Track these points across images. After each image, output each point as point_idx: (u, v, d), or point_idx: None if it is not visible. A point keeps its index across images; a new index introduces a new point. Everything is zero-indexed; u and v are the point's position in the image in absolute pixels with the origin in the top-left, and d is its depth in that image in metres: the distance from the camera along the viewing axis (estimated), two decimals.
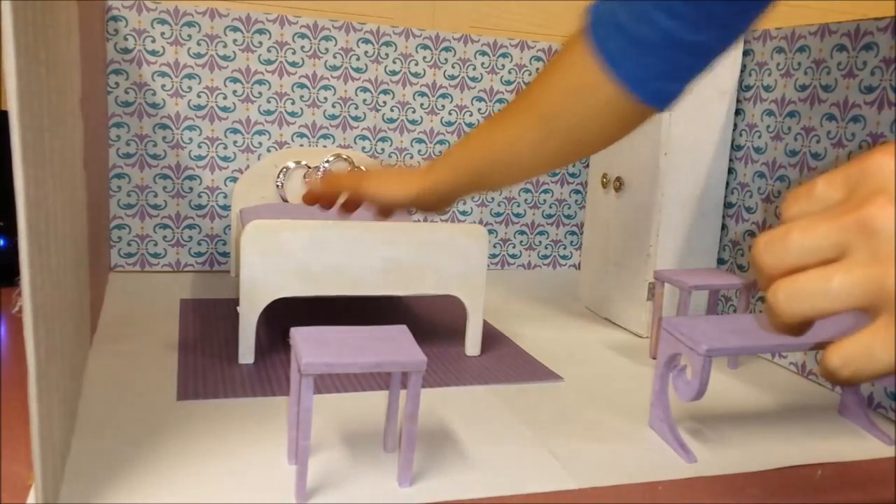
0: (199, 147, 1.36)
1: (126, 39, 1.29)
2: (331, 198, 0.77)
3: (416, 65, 1.45)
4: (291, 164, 1.33)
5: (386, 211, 0.79)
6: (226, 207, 1.39)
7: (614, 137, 0.72)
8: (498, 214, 1.56)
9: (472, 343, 1.03)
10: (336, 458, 0.71)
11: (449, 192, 0.76)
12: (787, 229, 0.27)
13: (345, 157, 1.33)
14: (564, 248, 1.62)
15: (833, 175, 0.28)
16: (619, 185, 1.22)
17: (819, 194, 0.28)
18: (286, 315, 1.13)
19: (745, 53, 1.16)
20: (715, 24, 0.61)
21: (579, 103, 0.68)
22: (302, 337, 0.66)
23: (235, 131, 1.37)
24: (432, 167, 0.76)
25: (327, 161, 1.32)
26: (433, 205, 0.77)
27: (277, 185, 1.30)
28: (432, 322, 1.17)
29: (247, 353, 0.94)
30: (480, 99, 1.49)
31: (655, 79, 0.65)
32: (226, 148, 1.37)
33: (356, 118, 1.43)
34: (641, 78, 0.65)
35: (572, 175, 1.59)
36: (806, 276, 0.26)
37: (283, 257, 0.92)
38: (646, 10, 0.62)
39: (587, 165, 1.58)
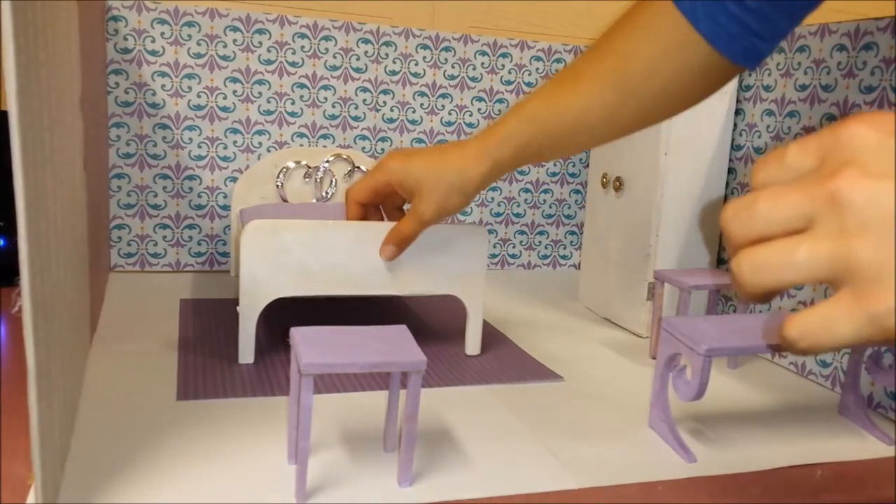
0: (199, 147, 1.36)
1: (126, 39, 1.29)
2: (364, 208, 0.74)
3: (416, 65, 1.45)
4: (291, 164, 1.33)
5: (424, 207, 0.74)
6: (226, 207, 1.39)
7: (698, 98, 0.68)
8: (498, 214, 1.56)
9: (472, 343, 1.03)
10: (336, 458, 0.71)
11: (506, 169, 0.70)
12: (755, 198, 0.27)
13: (345, 156, 1.33)
14: (564, 248, 1.62)
15: (806, 141, 0.28)
16: (619, 184, 1.22)
17: (790, 161, 0.27)
18: (286, 315, 1.13)
19: None
20: None
21: (666, 63, 0.64)
22: (302, 337, 0.66)
23: (235, 131, 1.37)
24: (483, 146, 0.68)
25: (327, 161, 1.32)
26: (489, 183, 0.70)
27: (277, 186, 1.30)
28: (432, 322, 1.17)
29: (247, 352, 0.94)
30: (480, 99, 1.49)
31: (745, 37, 0.62)
32: (226, 148, 1.37)
33: (356, 118, 1.43)
34: (731, 34, 0.62)
35: (572, 175, 1.59)
36: (771, 247, 0.26)
37: (283, 257, 0.92)
38: None
39: (587, 165, 1.58)
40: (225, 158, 1.38)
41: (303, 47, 1.38)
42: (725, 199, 1.20)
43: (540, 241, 1.60)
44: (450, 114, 1.48)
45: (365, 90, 1.43)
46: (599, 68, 0.68)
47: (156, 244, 1.37)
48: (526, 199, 1.57)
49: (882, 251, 0.24)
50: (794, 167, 0.27)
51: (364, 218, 0.80)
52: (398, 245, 0.79)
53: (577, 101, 0.67)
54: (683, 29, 0.63)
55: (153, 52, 1.31)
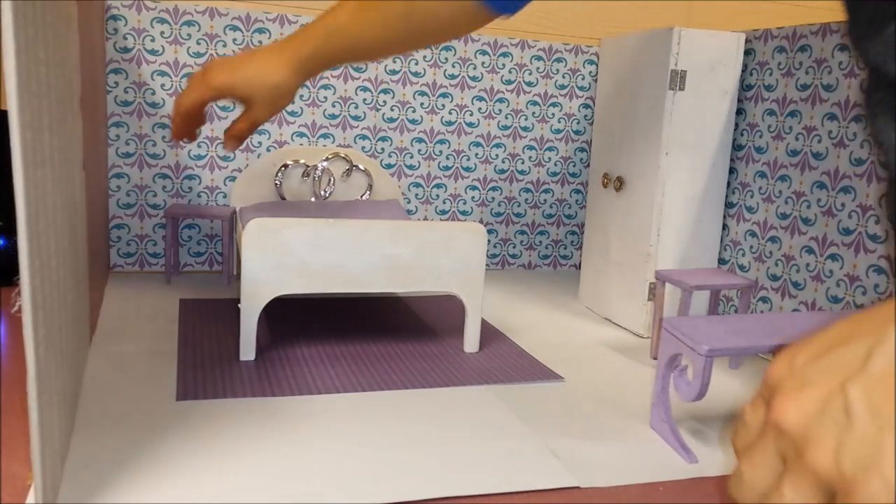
0: (199, 146, 1.36)
1: (125, 38, 1.28)
2: (190, 118, 0.78)
3: (416, 64, 1.44)
4: (290, 163, 1.32)
5: (259, 113, 0.79)
6: (225, 207, 1.39)
7: (459, 34, 0.78)
8: (498, 214, 1.55)
9: (471, 340, 1.03)
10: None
11: (318, 67, 0.76)
12: (739, 469, 0.30)
13: (343, 155, 1.33)
14: (565, 248, 1.62)
15: (753, 399, 0.31)
16: (619, 184, 1.22)
17: (749, 421, 0.30)
18: (286, 313, 1.13)
19: (747, 53, 1.16)
20: None
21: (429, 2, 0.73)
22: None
23: None
24: (296, 46, 0.73)
25: (325, 160, 1.32)
26: (303, 81, 0.78)
27: (276, 184, 1.29)
28: (431, 320, 1.17)
29: (248, 350, 0.94)
30: (481, 98, 1.49)
31: None
32: (225, 147, 1.37)
33: (356, 117, 1.43)
34: None
35: (573, 175, 1.58)
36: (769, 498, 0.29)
37: (283, 255, 0.92)
38: None
39: (588, 165, 1.58)
40: (225, 158, 1.38)
41: None
42: (726, 198, 1.20)
43: (540, 241, 1.60)
44: (450, 113, 1.48)
45: (365, 89, 1.43)
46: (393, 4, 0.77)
47: (155, 244, 1.37)
48: (526, 199, 1.57)
49: (836, 451, 0.26)
50: (754, 424, 0.30)
51: (190, 126, 0.85)
52: (239, 140, 0.85)
53: (371, 27, 0.73)
54: None
55: (153, 52, 1.30)
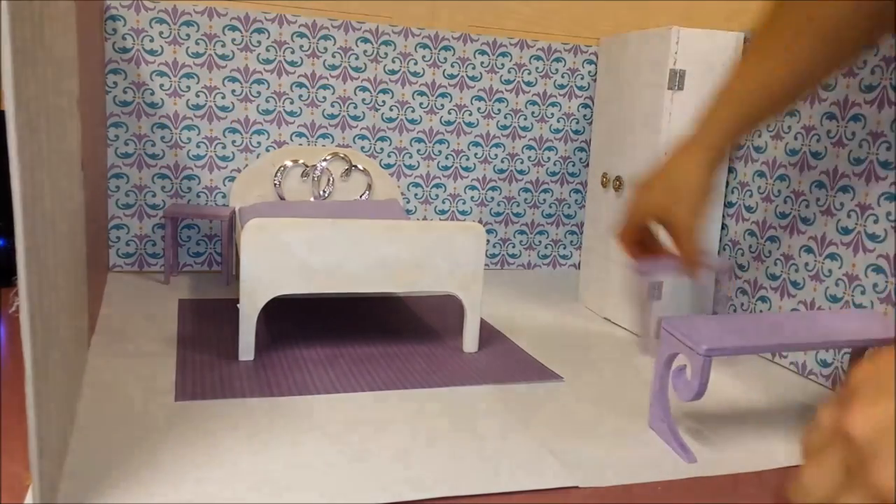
0: (198, 147, 1.36)
1: (124, 39, 1.28)
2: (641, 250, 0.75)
3: (416, 64, 1.44)
4: (289, 163, 1.32)
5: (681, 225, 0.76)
6: (225, 207, 1.39)
7: (876, 37, 0.72)
8: (498, 214, 1.55)
9: (470, 340, 1.03)
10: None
11: (729, 147, 0.72)
12: (802, 472, 0.29)
13: (342, 155, 1.33)
14: (564, 248, 1.62)
15: (830, 399, 0.30)
16: (618, 184, 1.22)
17: (822, 422, 0.30)
18: (285, 313, 1.13)
19: None
20: None
21: (853, 10, 0.67)
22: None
23: (234, 131, 1.37)
24: (702, 140, 0.68)
25: (325, 160, 1.32)
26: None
27: (275, 185, 1.29)
28: (430, 320, 1.17)
29: (247, 350, 0.94)
30: (480, 98, 1.49)
31: None
32: (224, 147, 1.37)
33: (355, 117, 1.43)
34: None
35: (572, 174, 1.58)
36: None
37: (282, 255, 0.92)
38: None
39: (587, 165, 1.57)
40: (224, 158, 1.38)
41: (302, 46, 1.37)
42: (725, 198, 1.20)
43: (540, 241, 1.60)
44: (449, 113, 1.48)
45: (364, 89, 1.43)
46: (791, 24, 0.70)
47: (154, 244, 1.37)
48: (526, 199, 1.57)
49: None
50: (826, 427, 0.30)
51: (643, 250, 0.81)
52: (698, 268, 0.80)
53: (784, 64, 0.68)
54: None
55: (152, 52, 1.30)
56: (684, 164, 0.69)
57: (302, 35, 1.37)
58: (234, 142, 1.37)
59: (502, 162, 1.53)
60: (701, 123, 0.69)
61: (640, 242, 0.76)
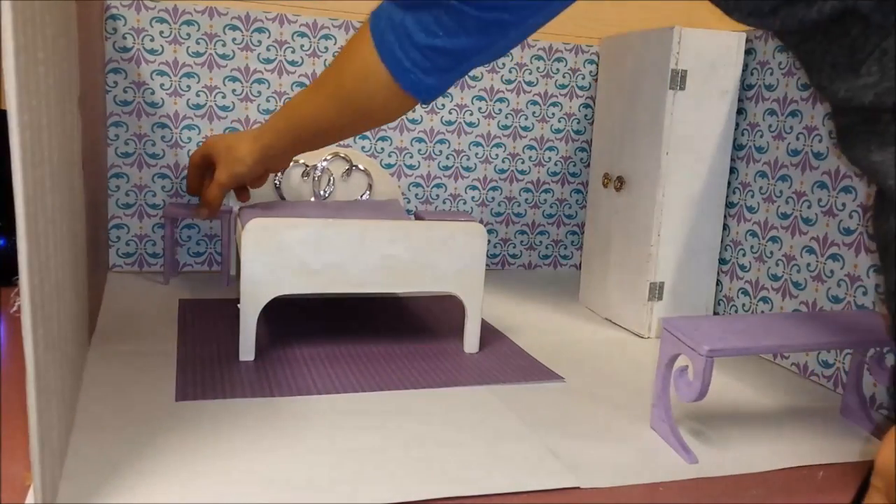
0: (197, 146, 1.36)
1: (125, 38, 1.28)
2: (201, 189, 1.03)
3: None
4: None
5: (242, 188, 1.03)
6: (224, 207, 1.39)
7: (392, 116, 0.86)
8: (498, 214, 1.55)
9: (471, 341, 1.03)
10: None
11: (279, 154, 0.94)
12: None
13: (343, 155, 1.33)
14: (565, 248, 1.62)
15: None
16: (620, 184, 1.22)
17: None
18: (285, 313, 1.13)
19: (748, 53, 1.16)
20: (472, 31, 0.73)
21: (363, 84, 0.80)
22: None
23: (235, 130, 1.37)
24: (261, 135, 0.93)
25: (325, 160, 1.32)
26: (272, 165, 0.98)
27: (276, 184, 1.29)
28: (431, 320, 1.17)
29: (247, 350, 0.94)
30: (481, 98, 1.49)
31: (414, 71, 0.76)
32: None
33: None
34: (404, 68, 0.76)
35: (573, 175, 1.58)
36: None
37: (283, 255, 0.91)
38: (404, 22, 0.74)
39: (588, 165, 1.57)
40: None
41: (302, 46, 1.37)
42: (727, 198, 1.20)
43: (541, 241, 1.60)
44: (450, 113, 1.48)
45: None
46: (322, 86, 0.86)
47: (154, 244, 1.37)
48: (526, 199, 1.57)
49: None
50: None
51: (201, 179, 1.07)
52: (209, 207, 1.04)
53: (311, 112, 0.87)
54: (373, 56, 0.77)
55: (152, 51, 1.30)
56: (244, 142, 0.96)
57: (303, 34, 1.37)
58: None
59: (503, 162, 1.53)
60: (266, 122, 0.97)
61: (201, 185, 1.06)
